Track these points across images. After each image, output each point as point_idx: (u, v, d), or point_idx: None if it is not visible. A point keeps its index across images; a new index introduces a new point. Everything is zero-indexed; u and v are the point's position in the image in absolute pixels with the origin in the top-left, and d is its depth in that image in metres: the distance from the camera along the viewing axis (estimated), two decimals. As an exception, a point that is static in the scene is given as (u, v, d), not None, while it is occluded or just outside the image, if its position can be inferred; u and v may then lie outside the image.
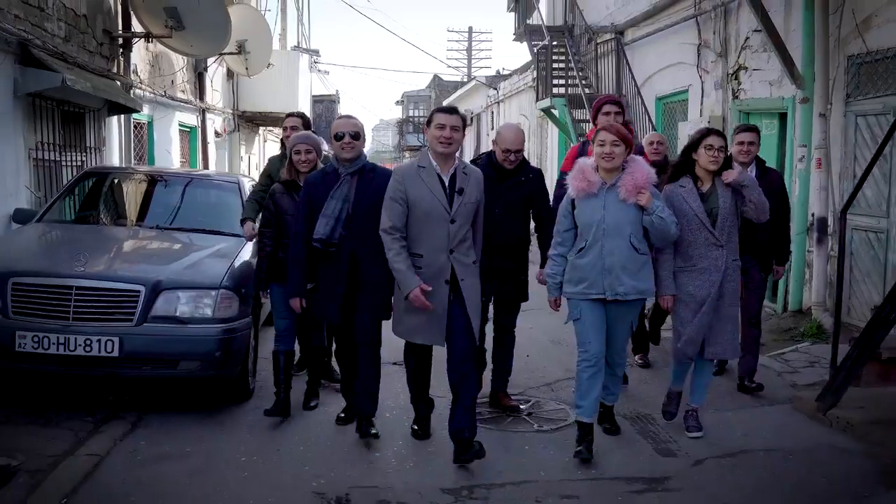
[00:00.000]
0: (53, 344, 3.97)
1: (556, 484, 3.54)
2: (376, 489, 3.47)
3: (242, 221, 4.95)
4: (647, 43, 10.74)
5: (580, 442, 3.92)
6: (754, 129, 5.12)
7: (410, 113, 37.95)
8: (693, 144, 4.20)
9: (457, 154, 3.97)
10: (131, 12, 7.81)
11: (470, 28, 29.71)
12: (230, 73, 12.99)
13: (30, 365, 4.05)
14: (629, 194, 3.86)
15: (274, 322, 4.57)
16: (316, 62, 18.96)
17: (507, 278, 4.47)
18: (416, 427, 4.23)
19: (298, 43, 17.73)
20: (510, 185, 4.46)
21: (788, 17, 7.22)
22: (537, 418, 4.52)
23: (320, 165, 4.48)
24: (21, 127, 5.83)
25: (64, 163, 6.75)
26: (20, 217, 5.48)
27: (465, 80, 30.61)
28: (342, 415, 4.38)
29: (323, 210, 3.98)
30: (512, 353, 4.78)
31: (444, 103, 32.54)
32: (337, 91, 35.57)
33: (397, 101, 40.24)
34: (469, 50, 30.11)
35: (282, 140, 5.27)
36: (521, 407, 4.68)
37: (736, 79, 8.33)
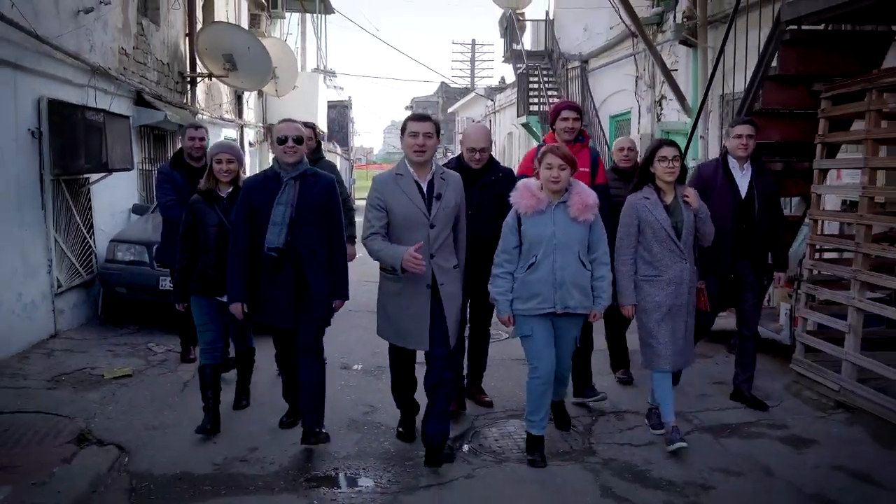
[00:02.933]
0: (182, 285, 6.71)
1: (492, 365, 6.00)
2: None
3: None
4: (604, 71, 13.48)
5: (532, 452, 4.15)
6: (752, 122, 4.88)
7: (419, 117, 40.66)
8: (649, 158, 4.29)
9: (434, 160, 4.04)
10: (197, 58, 10.62)
11: (473, 41, 32.69)
12: (260, 93, 15.76)
13: (168, 298, 6.78)
14: (580, 212, 3.98)
15: (198, 335, 4.53)
16: (331, 79, 21.70)
17: (482, 277, 4.34)
18: (401, 429, 4.41)
19: (318, 65, 20.54)
20: (482, 185, 4.53)
21: (688, 64, 9.94)
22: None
23: (242, 175, 4.54)
24: (135, 148, 8.63)
25: (153, 172, 9.57)
26: (137, 210, 8.24)
27: (470, 87, 33.38)
28: (285, 419, 4.52)
29: (272, 218, 3.99)
30: (487, 350, 5.00)
31: (449, 110, 35.13)
32: (349, 97, 38.21)
33: (407, 106, 43.03)
34: (472, 61, 33.00)
35: None
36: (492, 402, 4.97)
37: (659, 105, 11.06)
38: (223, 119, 12.64)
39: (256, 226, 4.02)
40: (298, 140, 4.04)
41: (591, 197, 4.05)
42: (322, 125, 19.91)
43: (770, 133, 5.43)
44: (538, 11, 25.19)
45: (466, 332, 4.69)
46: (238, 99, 13.94)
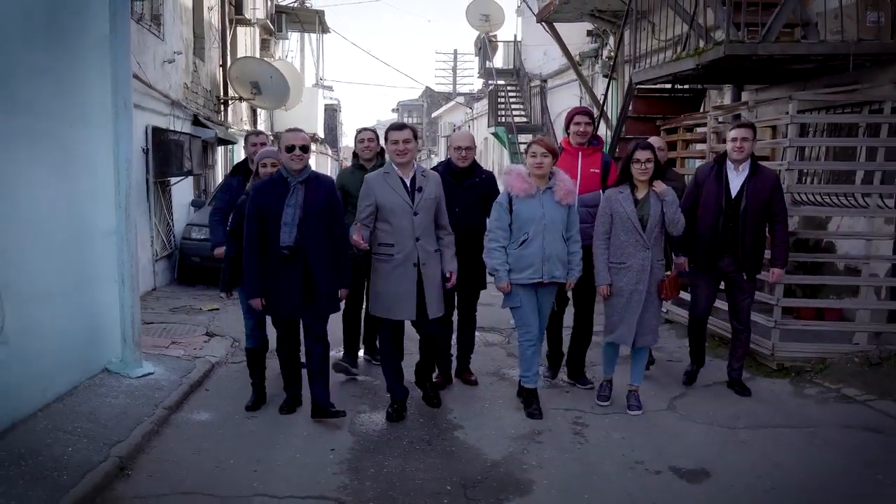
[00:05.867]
0: (240, 255, 9.82)
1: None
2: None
3: None
4: (558, 90, 16.74)
5: (529, 405, 5.11)
6: (748, 125, 5.35)
7: (405, 120, 44.00)
8: (627, 158, 4.94)
9: (416, 160, 4.81)
10: (230, 85, 13.77)
11: (455, 50, 36.23)
12: (268, 106, 18.92)
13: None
14: (563, 197, 4.79)
15: (245, 321, 5.36)
16: (328, 91, 24.85)
17: (468, 267, 5.18)
18: (391, 411, 5.00)
19: (316, 80, 23.72)
20: (468, 187, 5.31)
21: (612, 92, 13.19)
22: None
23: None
24: (193, 157, 11.78)
25: (201, 175, 12.72)
26: (195, 203, 11.40)
27: (453, 91, 36.61)
28: (284, 406, 5.09)
29: (283, 219, 4.53)
30: (474, 335, 5.85)
31: (433, 115, 38.24)
32: (338, 101, 41.20)
33: (393, 109, 46.22)
34: (454, 69, 36.39)
35: (354, 153, 6.20)
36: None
37: (596, 120, 14.31)
38: (242, 130, 15.81)
39: (264, 226, 4.58)
40: (304, 148, 4.64)
41: (571, 183, 4.91)
42: (320, 131, 23.08)
43: (633, 151, 8.67)
44: (510, 33, 29.05)
45: (454, 317, 5.58)
46: (253, 113, 17.11)
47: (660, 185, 4.93)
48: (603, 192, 5.28)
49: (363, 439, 4.75)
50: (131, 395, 5.22)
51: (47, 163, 4.87)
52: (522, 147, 15.96)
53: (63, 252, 5.07)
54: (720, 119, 7.33)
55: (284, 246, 4.55)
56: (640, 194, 4.95)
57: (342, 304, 5.33)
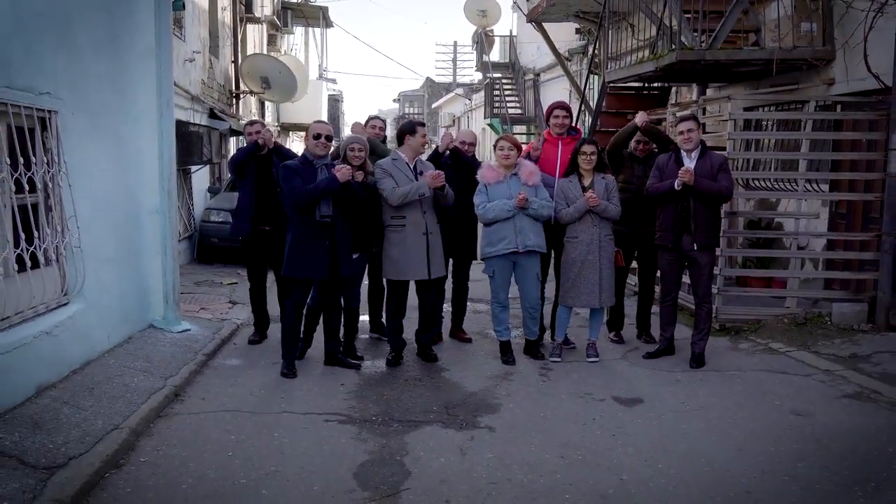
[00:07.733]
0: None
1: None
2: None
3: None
4: (550, 84, 17.82)
5: (504, 354, 6.18)
6: (691, 118, 5.92)
7: (406, 110, 45.01)
8: (575, 153, 5.88)
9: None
10: (241, 80, 14.89)
11: (455, 42, 37.22)
12: (275, 98, 20.02)
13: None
14: (527, 178, 5.76)
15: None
16: (331, 84, 25.91)
17: (461, 239, 6.27)
18: (390, 358, 6.05)
19: (319, 73, 24.81)
20: (467, 170, 6.16)
21: (596, 86, 14.28)
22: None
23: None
24: (208, 147, 12.92)
25: (217, 164, 13.86)
26: (212, 190, 12.54)
27: (453, 81, 37.63)
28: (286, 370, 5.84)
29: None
30: (466, 300, 6.77)
31: (433, 105, 39.26)
32: (340, 92, 42.25)
33: (394, 99, 47.28)
34: (454, 60, 37.47)
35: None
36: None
37: (582, 113, 15.41)
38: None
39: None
40: (329, 138, 5.51)
41: (533, 167, 5.86)
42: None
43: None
44: (506, 28, 30.16)
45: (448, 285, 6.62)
46: (262, 105, 18.24)
47: (595, 201, 5.82)
48: None
49: (367, 378, 5.89)
50: (175, 344, 6.38)
51: (109, 153, 6.00)
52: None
53: (120, 226, 6.22)
54: (677, 114, 8.44)
55: (326, 215, 5.38)
56: (587, 182, 5.94)
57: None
